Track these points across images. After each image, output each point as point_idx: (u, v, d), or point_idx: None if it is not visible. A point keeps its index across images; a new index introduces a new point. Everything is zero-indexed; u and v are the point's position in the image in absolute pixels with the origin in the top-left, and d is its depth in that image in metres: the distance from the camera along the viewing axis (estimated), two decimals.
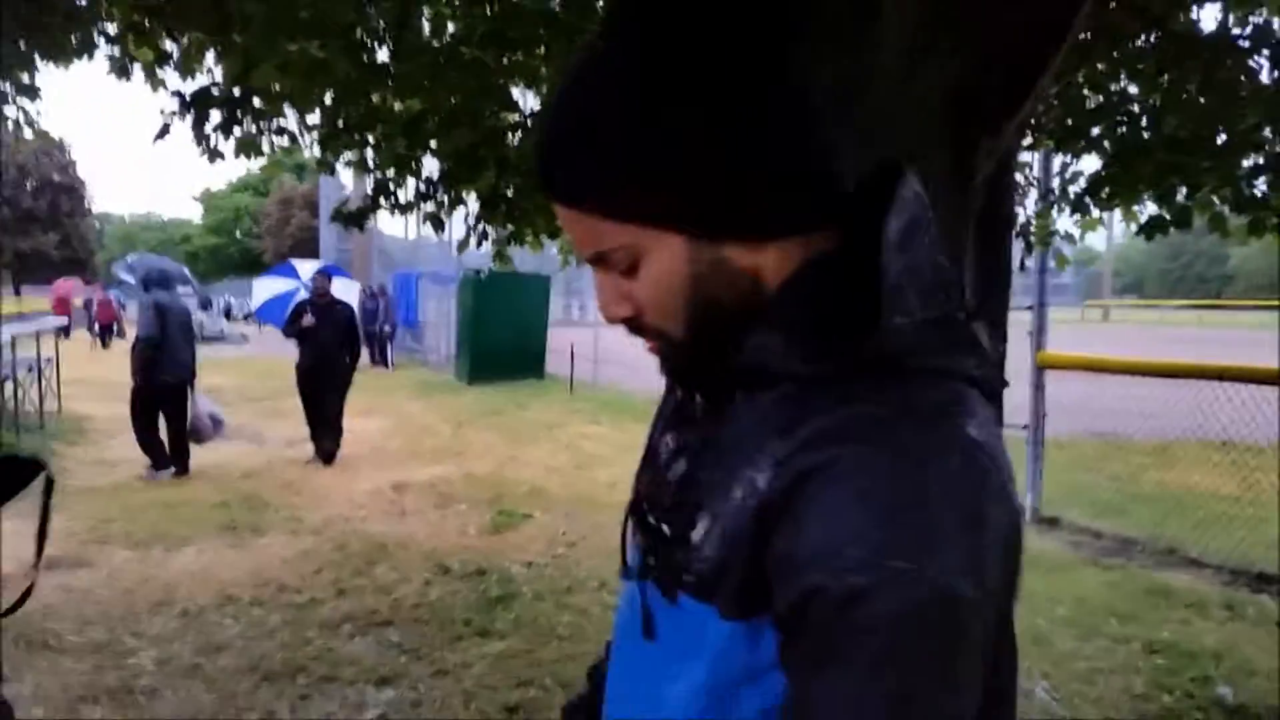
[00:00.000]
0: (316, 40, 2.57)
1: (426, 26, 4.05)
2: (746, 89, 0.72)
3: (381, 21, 3.65)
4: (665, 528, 0.83)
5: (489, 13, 3.74)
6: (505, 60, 4.04)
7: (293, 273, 12.70)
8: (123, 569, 5.36)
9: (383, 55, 3.85)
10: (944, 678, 0.66)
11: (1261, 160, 4.24)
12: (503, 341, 15.74)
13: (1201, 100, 3.86)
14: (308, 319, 8.79)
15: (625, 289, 0.81)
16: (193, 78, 4.20)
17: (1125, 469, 7.90)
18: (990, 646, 0.70)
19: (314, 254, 35.36)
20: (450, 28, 4.05)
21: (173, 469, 8.03)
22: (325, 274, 9.48)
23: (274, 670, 3.98)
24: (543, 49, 4.14)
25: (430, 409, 12.90)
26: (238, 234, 47.34)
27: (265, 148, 4.27)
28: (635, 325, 0.83)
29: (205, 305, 32.90)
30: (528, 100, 4.74)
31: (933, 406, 0.72)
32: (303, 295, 9.93)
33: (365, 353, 18.63)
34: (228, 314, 35.28)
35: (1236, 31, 4.25)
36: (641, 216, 0.76)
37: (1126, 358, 6.89)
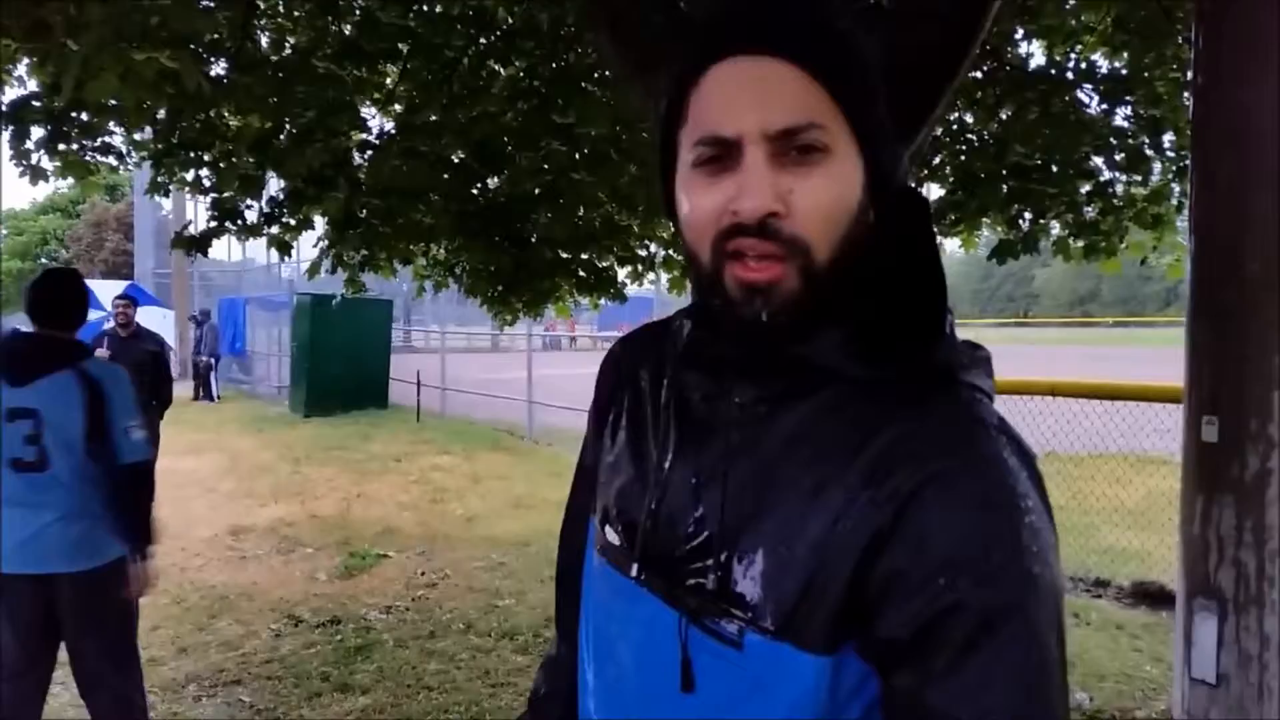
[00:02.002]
0: (166, 50, 2.31)
1: (265, 39, 3.81)
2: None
3: (220, 32, 3.39)
4: (713, 571, 0.74)
5: (340, 26, 3.54)
6: (359, 75, 3.83)
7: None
8: None
9: (219, 69, 3.58)
10: (1062, 668, 0.68)
11: (1091, 188, 4.51)
12: (342, 370, 15.04)
13: (1046, 131, 4.06)
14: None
15: (784, 185, 0.71)
16: (0, 89, 3.79)
17: None
18: None
19: (128, 280, 33.21)
20: (291, 40, 3.82)
21: None
22: (129, 298, 7.72)
23: None
24: (398, 66, 3.97)
25: (264, 444, 12.19)
26: (44, 260, 43.92)
27: (90, 167, 3.89)
28: (771, 228, 0.71)
29: None
30: (380, 122, 4.53)
31: (996, 419, 0.73)
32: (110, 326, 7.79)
33: (190, 386, 17.60)
34: None
35: (1063, 64, 4.53)
36: (864, 109, 0.73)
37: None
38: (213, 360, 18.81)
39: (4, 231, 44.99)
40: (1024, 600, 0.65)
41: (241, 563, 6.32)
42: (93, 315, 10.14)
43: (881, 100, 0.75)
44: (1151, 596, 5.33)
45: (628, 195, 4.33)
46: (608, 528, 0.86)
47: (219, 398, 18.42)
